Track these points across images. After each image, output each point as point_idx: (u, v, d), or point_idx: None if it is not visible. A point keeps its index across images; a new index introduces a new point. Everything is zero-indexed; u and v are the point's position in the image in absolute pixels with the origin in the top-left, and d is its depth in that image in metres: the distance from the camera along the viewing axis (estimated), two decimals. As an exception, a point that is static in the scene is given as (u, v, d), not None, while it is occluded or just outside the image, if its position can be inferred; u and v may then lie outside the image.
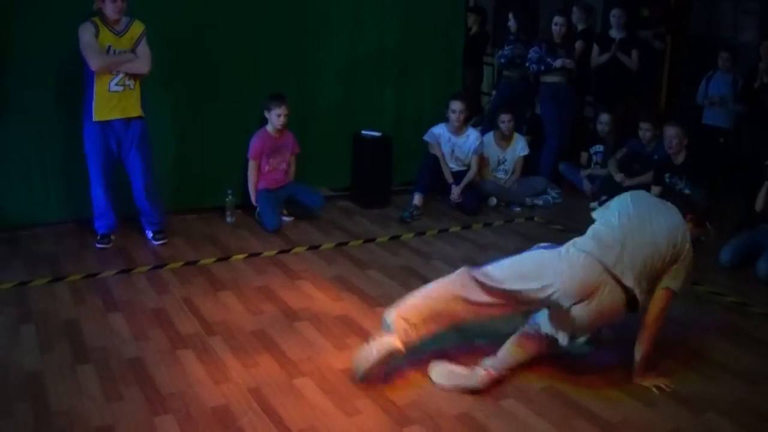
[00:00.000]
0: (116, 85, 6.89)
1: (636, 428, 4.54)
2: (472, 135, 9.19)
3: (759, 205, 7.51)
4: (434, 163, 9.03)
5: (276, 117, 8.08)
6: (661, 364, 5.30)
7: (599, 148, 9.86)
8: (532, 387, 4.91)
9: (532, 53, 10.12)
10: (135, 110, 7.06)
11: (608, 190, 9.12)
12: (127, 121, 7.04)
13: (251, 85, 8.31)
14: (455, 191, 8.94)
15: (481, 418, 4.55)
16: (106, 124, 6.97)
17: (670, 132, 8.28)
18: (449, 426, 4.44)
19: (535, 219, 8.87)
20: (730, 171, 9.38)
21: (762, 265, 7.08)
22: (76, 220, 7.63)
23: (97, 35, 6.77)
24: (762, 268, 7.06)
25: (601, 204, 8.88)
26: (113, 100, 6.92)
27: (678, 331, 5.90)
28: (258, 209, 8.18)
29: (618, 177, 9.25)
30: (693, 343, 5.74)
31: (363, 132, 9.14)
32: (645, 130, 9.18)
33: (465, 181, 9.03)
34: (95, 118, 6.90)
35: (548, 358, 5.12)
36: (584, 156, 10.01)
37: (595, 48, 10.42)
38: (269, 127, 8.19)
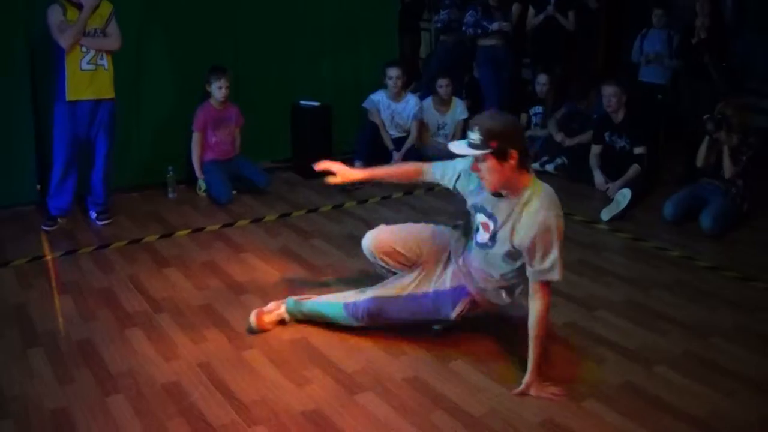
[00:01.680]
0: (88, 63, 6.88)
1: (588, 385, 4.61)
2: (411, 101, 9.25)
3: (700, 160, 7.59)
4: (373, 130, 9.09)
5: (217, 89, 8.10)
6: (610, 319, 5.44)
7: (538, 109, 9.91)
8: (479, 349, 4.98)
9: (469, 17, 10.18)
10: (107, 92, 7.07)
11: (549, 150, 9.24)
12: (97, 103, 7.03)
13: (188, 60, 8.29)
14: (396, 158, 8.98)
15: (431, 380, 4.63)
16: (76, 105, 6.96)
17: (608, 91, 8.32)
18: (400, 390, 4.51)
19: (477, 182, 8.89)
20: (670, 126, 9.49)
21: (705, 218, 7.20)
22: (19, 204, 7.58)
23: (65, 14, 6.76)
24: (705, 222, 7.18)
25: (542, 165, 9.00)
26: (85, 80, 6.91)
27: (625, 287, 6.04)
28: (200, 182, 8.20)
29: (558, 137, 9.34)
30: (640, 297, 5.86)
31: (301, 102, 9.13)
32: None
33: (406, 146, 9.08)
34: (68, 97, 6.89)
35: (491, 317, 5.21)
36: (524, 117, 10.05)
37: (531, 10, 10.48)
38: (212, 100, 8.20)
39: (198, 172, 8.24)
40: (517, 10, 10.52)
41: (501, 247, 4.60)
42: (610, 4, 11.67)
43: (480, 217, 4.74)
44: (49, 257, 6.56)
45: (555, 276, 4.45)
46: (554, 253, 4.39)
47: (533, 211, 4.41)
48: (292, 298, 5.33)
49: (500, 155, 4.34)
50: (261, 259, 6.51)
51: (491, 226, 4.64)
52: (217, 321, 5.38)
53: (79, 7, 6.81)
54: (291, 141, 9.28)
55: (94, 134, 7.16)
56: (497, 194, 4.56)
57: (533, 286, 4.52)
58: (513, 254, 4.58)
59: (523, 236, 4.43)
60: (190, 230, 7.21)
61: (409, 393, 4.51)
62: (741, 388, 4.60)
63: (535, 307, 4.51)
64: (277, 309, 5.29)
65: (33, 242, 6.89)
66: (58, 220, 7.26)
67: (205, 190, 8.15)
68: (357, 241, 6.82)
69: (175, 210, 7.81)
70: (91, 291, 5.89)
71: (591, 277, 6.18)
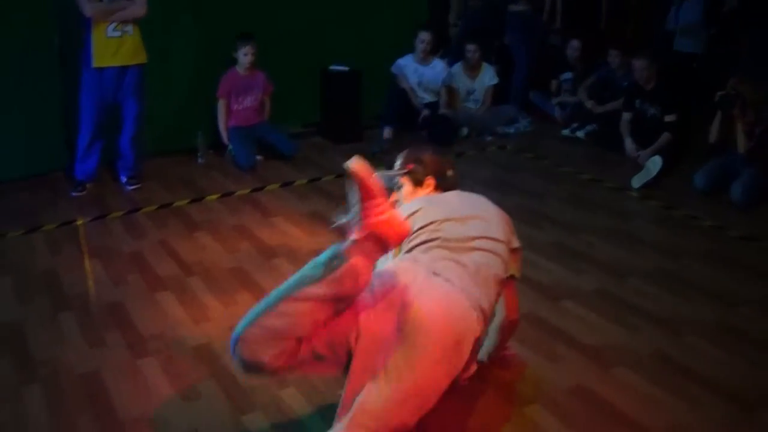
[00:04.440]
0: (114, 30, 6.86)
1: (618, 352, 4.59)
2: (438, 66, 9.29)
3: (713, 136, 7.54)
4: (401, 96, 9.09)
5: (243, 56, 8.11)
6: (641, 287, 5.41)
7: (568, 75, 9.86)
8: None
9: (498, -19, 10.11)
10: (133, 58, 7.05)
11: (579, 117, 9.20)
12: (124, 69, 7.03)
13: (217, 26, 8.25)
14: (426, 113, 9.07)
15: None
16: (103, 71, 6.95)
17: (639, 64, 8.24)
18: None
19: (508, 148, 8.90)
20: (702, 94, 9.42)
21: (736, 189, 7.14)
22: (50, 171, 7.57)
23: None
24: (736, 193, 7.13)
25: (572, 131, 8.99)
26: (112, 47, 6.90)
27: (655, 255, 6.00)
28: (230, 148, 8.20)
29: (588, 104, 9.30)
30: (671, 266, 5.82)
31: (331, 67, 9.12)
32: (614, 57, 9.19)
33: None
34: (94, 64, 6.89)
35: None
36: (554, 84, 10.02)
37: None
38: (238, 67, 8.21)
39: (225, 139, 8.27)
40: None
41: None
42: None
43: None
44: (79, 222, 6.59)
45: None
46: None
47: None
48: None
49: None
50: (291, 223, 6.52)
51: None
52: (247, 284, 5.40)
53: None
54: (320, 106, 9.27)
55: (122, 99, 7.15)
56: None
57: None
58: None
59: None
60: (219, 194, 7.22)
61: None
62: (772, 358, 4.59)
63: None
64: None
65: (63, 208, 6.92)
66: (87, 185, 7.29)
67: (234, 156, 8.15)
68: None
69: (204, 174, 7.83)
70: (122, 255, 5.91)
71: (621, 245, 6.15)
